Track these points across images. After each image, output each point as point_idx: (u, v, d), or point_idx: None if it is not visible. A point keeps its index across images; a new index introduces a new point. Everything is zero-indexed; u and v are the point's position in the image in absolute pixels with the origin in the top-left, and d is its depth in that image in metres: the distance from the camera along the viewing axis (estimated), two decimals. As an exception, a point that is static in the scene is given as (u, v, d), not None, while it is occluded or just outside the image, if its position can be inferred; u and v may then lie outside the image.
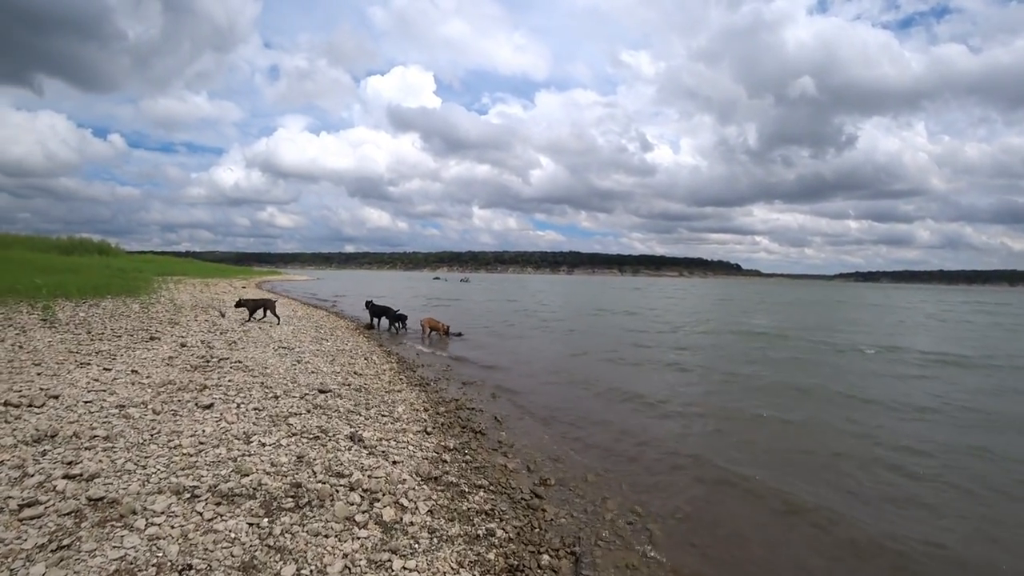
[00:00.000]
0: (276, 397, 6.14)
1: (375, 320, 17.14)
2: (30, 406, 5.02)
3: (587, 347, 14.23)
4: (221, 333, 10.48)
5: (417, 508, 3.76)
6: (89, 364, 6.77)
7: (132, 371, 6.63)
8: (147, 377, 6.42)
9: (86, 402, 5.25)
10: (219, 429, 4.80)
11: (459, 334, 15.72)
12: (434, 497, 4.01)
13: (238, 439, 4.61)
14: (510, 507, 4.17)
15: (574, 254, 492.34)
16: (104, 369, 6.61)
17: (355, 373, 8.35)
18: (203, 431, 4.71)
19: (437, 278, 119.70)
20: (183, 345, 8.66)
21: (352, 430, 5.35)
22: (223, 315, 13.38)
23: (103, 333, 8.93)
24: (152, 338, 8.96)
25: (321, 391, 6.73)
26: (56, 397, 5.32)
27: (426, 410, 6.92)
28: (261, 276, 65.35)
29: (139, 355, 7.62)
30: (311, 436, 4.93)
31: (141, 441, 4.35)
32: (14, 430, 4.36)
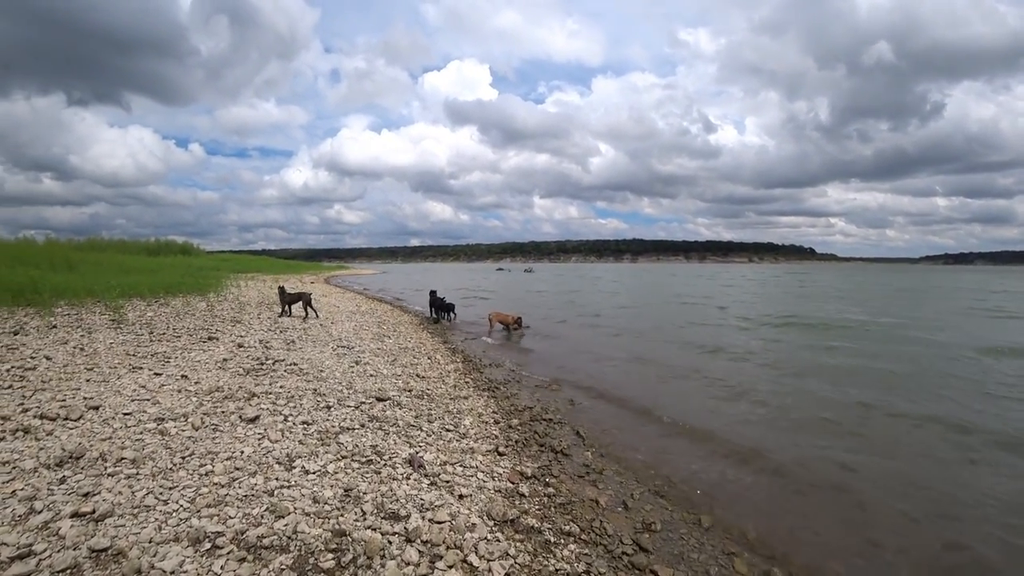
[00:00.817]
0: (328, 407, 5.50)
1: (437, 312, 16.85)
2: (66, 419, 4.60)
3: (666, 340, 13.01)
4: (281, 332, 10.16)
5: (491, 571, 2.90)
6: (141, 368, 6.44)
7: (182, 376, 6.22)
8: (196, 383, 5.98)
9: (125, 414, 4.80)
10: (260, 450, 4.16)
11: (525, 326, 14.89)
12: (512, 551, 3.15)
13: (279, 464, 3.94)
14: (609, 567, 3.23)
15: (638, 241, 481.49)
16: (155, 374, 6.24)
17: (417, 376, 7.68)
18: (241, 452, 4.08)
19: (500, 269, 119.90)
20: (240, 346, 8.31)
21: (412, 450, 4.59)
22: (286, 313, 13.21)
23: (164, 333, 8.75)
24: (210, 338, 8.69)
25: (379, 399, 6.06)
26: (96, 408, 4.91)
27: (496, 423, 6.10)
28: (330, 271, 67.50)
29: (194, 357, 7.28)
30: (363, 460, 4.21)
31: (171, 466, 3.77)
32: (40, 450, 3.90)
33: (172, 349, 7.67)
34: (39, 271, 14.21)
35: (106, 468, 3.68)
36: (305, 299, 12.90)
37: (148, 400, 5.24)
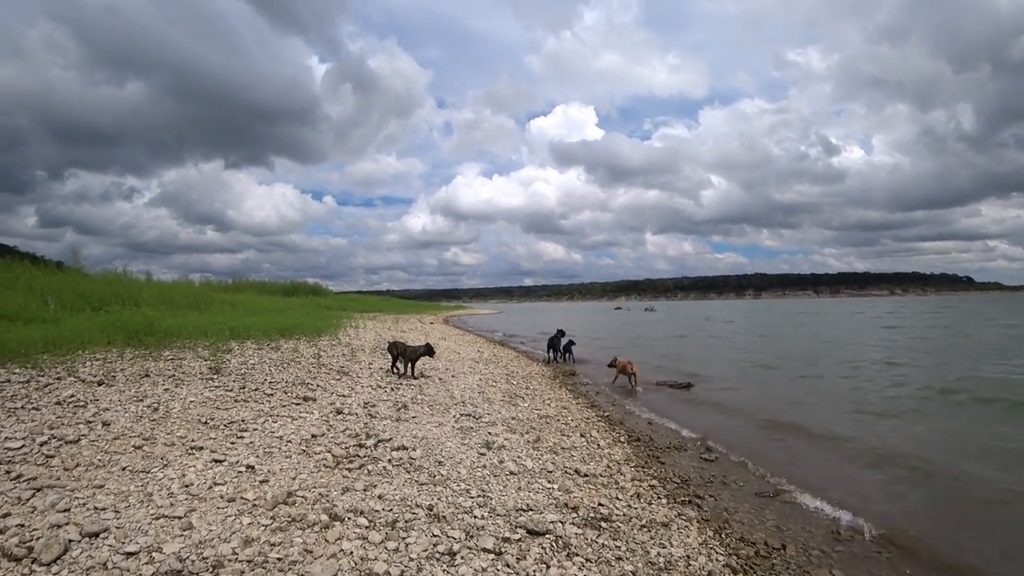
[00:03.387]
0: (452, 554, 3.28)
1: (555, 353, 16.52)
2: (35, 561, 2.81)
3: (865, 405, 9.47)
4: (392, 389, 8.35)
5: None
6: (202, 449, 4.76)
7: (247, 467, 4.40)
8: (262, 482, 4.12)
9: (128, 554, 2.92)
10: None
11: (687, 385, 11.94)
12: None
13: None
14: None
15: (760, 276, 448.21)
16: (215, 460, 4.49)
17: (577, 472, 5.28)
18: None
19: (619, 308, 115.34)
20: (338, 411, 6.51)
21: None
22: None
23: (257, 389, 7.27)
24: (306, 398, 7.02)
25: (532, 531, 3.73)
26: (96, 535, 3.11)
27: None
28: (448, 311, 68.38)
29: (276, 430, 5.54)
30: None
31: None
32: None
33: (256, 415, 6.02)
34: (169, 311, 14.17)
35: None
36: (410, 355, 10.41)
37: (179, 519, 3.38)
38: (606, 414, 8.65)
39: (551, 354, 16.81)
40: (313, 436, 5.39)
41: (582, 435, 6.83)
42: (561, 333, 16.72)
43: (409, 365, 10.31)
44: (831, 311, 69.48)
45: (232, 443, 5.00)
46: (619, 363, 12.62)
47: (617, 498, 4.72)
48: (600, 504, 4.48)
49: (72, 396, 6.03)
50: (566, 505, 4.32)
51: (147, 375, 7.40)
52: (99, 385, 6.63)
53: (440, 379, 10.00)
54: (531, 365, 14.89)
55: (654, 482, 5.30)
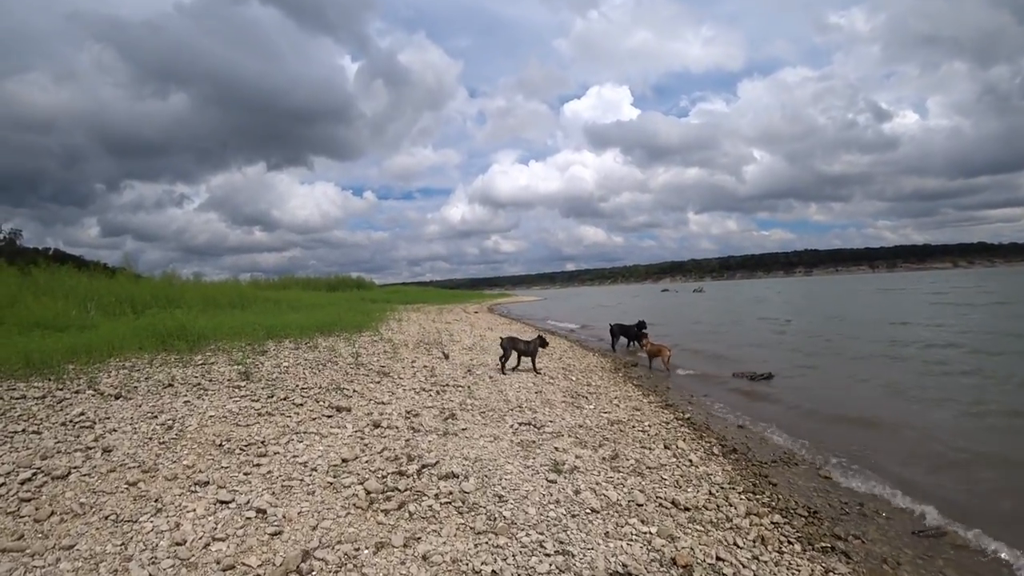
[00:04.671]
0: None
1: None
2: None
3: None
4: (438, 392, 7.37)
5: None
6: (207, 484, 3.85)
7: (258, 511, 3.47)
8: (273, 535, 3.16)
9: None
10: None
11: (768, 375, 10.50)
12: None
13: None
14: None
15: (810, 252, 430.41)
16: (220, 502, 3.60)
17: (674, 504, 4.10)
18: None
19: (666, 290, 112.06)
20: (376, 425, 5.54)
21: None
22: (446, 357, 10.61)
23: (286, 398, 6.41)
24: (339, 409, 6.09)
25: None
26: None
27: None
28: (492, 299, 67.62)
29: (301, 452, 4.61)
30: None
31: None
32: None
33: (280, 432, 5.12)
34: (210, 311, 13.72)
35: None
36: (522, 349, 10.11)
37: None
38: (687, 416, 7.36)
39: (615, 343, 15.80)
40: (344, 461, 4.42)
41: (666, 447, 5.62)
42: (642, 325, 15.21)
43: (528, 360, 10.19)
44: (886, 286, 64.75)
45: (246, 473, 4.09)
46: (651, 347, 12.38)
47: (737, 545, 3.54)
48: (719, 558, 3.31)
49: (82, 415, 5.29)
50: (674, 562, 3.19)
51: (171, 384, 6.68)
52: (116, 399, 5.91)
53: (491, 377, 8.96)
54: (587, 356, 13.67)
55: (776, 517, 4.06)
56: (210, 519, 3.36)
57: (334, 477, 4.06)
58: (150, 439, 4.78)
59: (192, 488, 3.79)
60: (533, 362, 10.20)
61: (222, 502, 3.57)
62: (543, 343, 10.44)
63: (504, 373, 9.59)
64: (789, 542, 3.73)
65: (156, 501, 3.59)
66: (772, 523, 3.96)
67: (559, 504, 3.81)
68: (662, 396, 8.79)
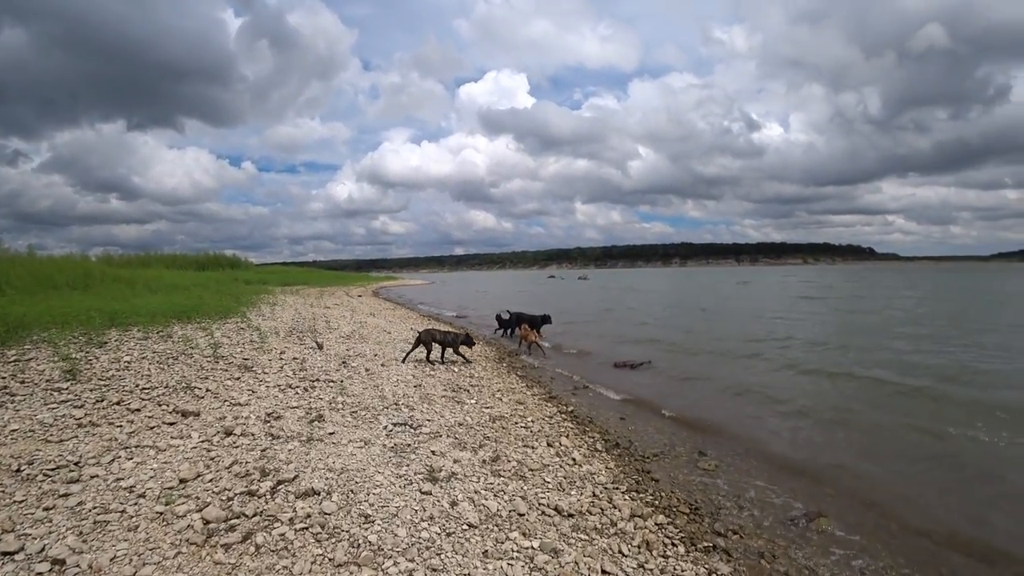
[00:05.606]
0: None
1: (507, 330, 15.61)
2: None
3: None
4: (306, 389, 6.70)
5: None
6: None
7: (54, 562, 2.79)
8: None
9: None
10: None
11: (646, 363, 10.93)
12: None
13: None
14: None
15: (686, 245, 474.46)
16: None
17: (557, 511, 3.89)
18: None
19: (552, 276, 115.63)
20: (228, 433, 4.84)
21: None
22: (320, 347, 9.82)
23: (119, 403, 5.44)
24: (185, 413, 5.27)
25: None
26: None
27: None
28: (377, 282, 65.38)
29: (128, 473, 3.86)
30: None
31: None
32: None
33: (104, 448, 4.27)
34: (32, 294, 11.60)
35: None
36: (445, 341, 9.94)
37: None
38: (571, 409, 7.32)
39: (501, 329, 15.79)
40: (182, 482, 3.75)
41: (549, 444, 5.50)
42: (547, 319, 14.77)
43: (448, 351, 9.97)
44: (750, 277, 72.06)
45: (47, 509, 3.29)
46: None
47: (623, 553, 3.44)
48: (604, 571, 3.18)
49: None
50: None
51: (-37, 390, 5.43)
52: None
53: (367, 370, 8.38)
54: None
55: (660, 517, 4.03)
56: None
57: (166, 504, 3.41)
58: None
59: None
60: (457, 352, 10.01)
61: (4, 554, 2.81)
62: (468, 342, 10.15)
63: (403, 363, 9.36)
64: (673, 544, 3.72)
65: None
66: (656, 524, 3.94)
67: (433, 521, 3.49)
68: (546, 388, 8.77)
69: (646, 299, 34.27)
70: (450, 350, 9.91)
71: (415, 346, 9.62)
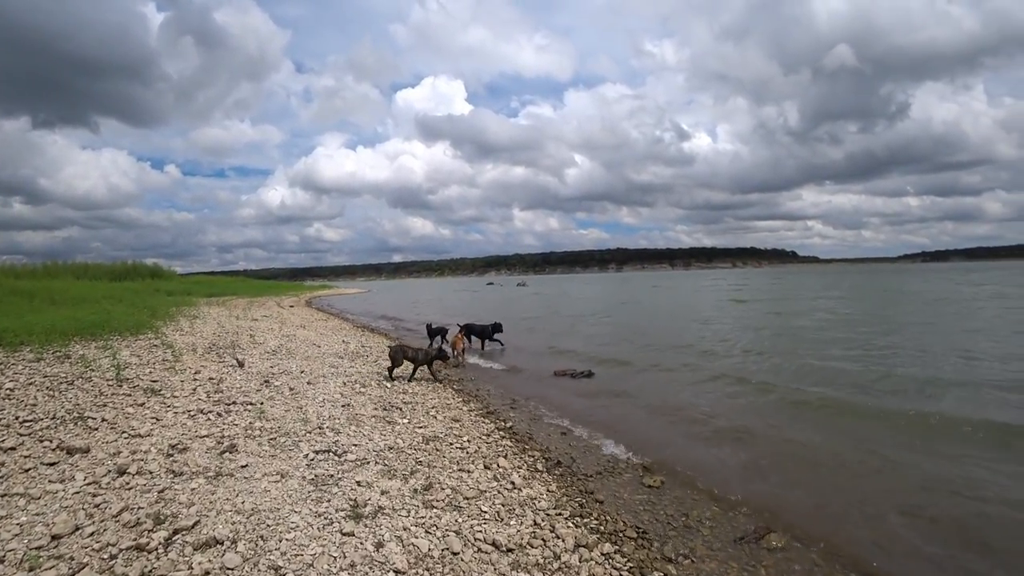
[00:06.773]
0: None
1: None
2: None
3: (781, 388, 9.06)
4: (220, 415, 6.07)
5: None
6: None
7: None
8: None
9: None
10: None
11: (588, 373, 10.77)
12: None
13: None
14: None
15: (621, 251, 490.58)
16: None
17: (495, 547, 3.57)
18: None
19: (491, 283, 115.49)
20: (122, 472, 4.22)
21: None
22: (241, 365, 9.08)
23: (-8, 437, 4.66)
24: (71, 451, 4.58)
25: None
26: None
27: None
28: (312, 291, 63.00)
29: (-14, 532, 3.21)
30: None
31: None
32: None
33: (-40, 498, 3.58)
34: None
35: None
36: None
37: None
38: (509, 425, 6.99)
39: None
40: (55, 538, 3.17)
41: (487, 466, 5.16)
42: (497, 328, 14.70)
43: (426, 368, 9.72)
44: (684, 284, 74.49)
45: None
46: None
47: None
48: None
49: None
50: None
51: None
52: None
53: (292, 389, 7.76)
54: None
55: (606, 546, 3.76)
56: None
57: (29, 571, 2.84)
58: None
59: None
60: (430, 369, 9.76)
61: None
62: (442, 356, 9.89)
63: (391, 380, 9.25)
64: (620, 573, 3.49)
65: None
66: (603, 554, 3.69)
67: (354, 569, 3.10)
68: (483, 402, 8.41)
69: (584, 306, 34.61)
70: (424, 367, 9.69)
71: (394, 363, 9.42)
